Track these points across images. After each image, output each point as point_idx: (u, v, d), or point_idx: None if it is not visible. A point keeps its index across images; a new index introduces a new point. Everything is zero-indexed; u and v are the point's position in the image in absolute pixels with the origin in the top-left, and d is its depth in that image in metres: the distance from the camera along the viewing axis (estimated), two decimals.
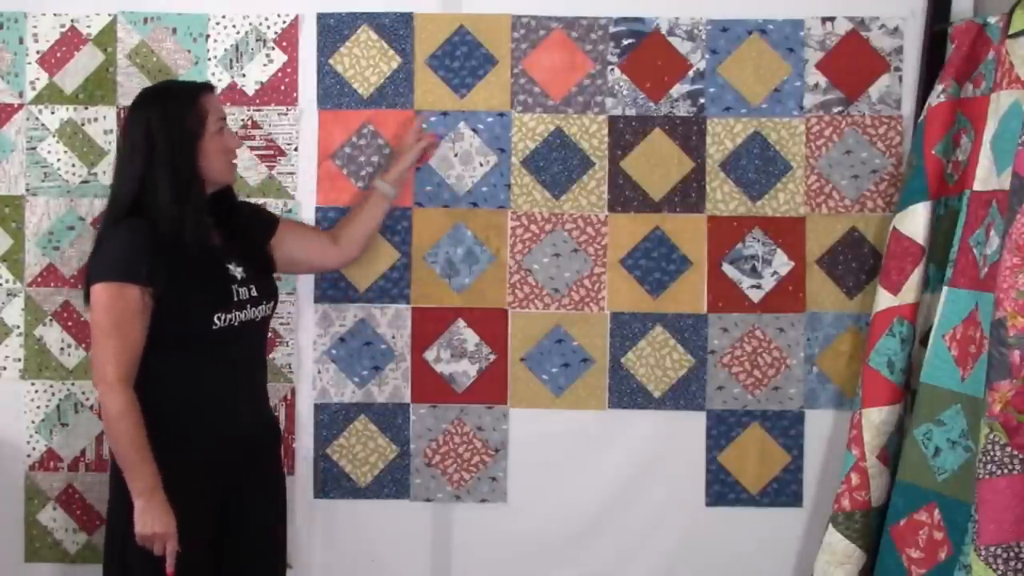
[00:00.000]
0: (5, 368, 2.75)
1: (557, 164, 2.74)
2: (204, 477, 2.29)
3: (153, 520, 2.18)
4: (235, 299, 2.33)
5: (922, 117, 2.59)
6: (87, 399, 2.74)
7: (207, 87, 2.39)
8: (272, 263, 2.52)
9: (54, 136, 2.74)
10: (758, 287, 2.73)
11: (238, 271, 2.37)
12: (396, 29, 2.74)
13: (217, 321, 2.28)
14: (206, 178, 2.33)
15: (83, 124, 2.73)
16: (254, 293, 2.38)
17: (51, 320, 2.74)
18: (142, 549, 2.21)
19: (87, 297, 2.25)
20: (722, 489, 2.75)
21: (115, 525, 2.31)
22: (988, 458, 2.18)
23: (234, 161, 2.42)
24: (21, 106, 2.74)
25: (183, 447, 2.26)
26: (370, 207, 2.64)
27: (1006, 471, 2.17)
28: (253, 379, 2.45)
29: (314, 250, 2.61)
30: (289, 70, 2.74)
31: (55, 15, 2.73)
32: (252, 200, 2.68)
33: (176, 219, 2.24)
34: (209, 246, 2.32)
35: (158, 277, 2.20)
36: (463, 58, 2.74)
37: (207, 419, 2.30)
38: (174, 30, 2.74)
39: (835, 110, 2.72)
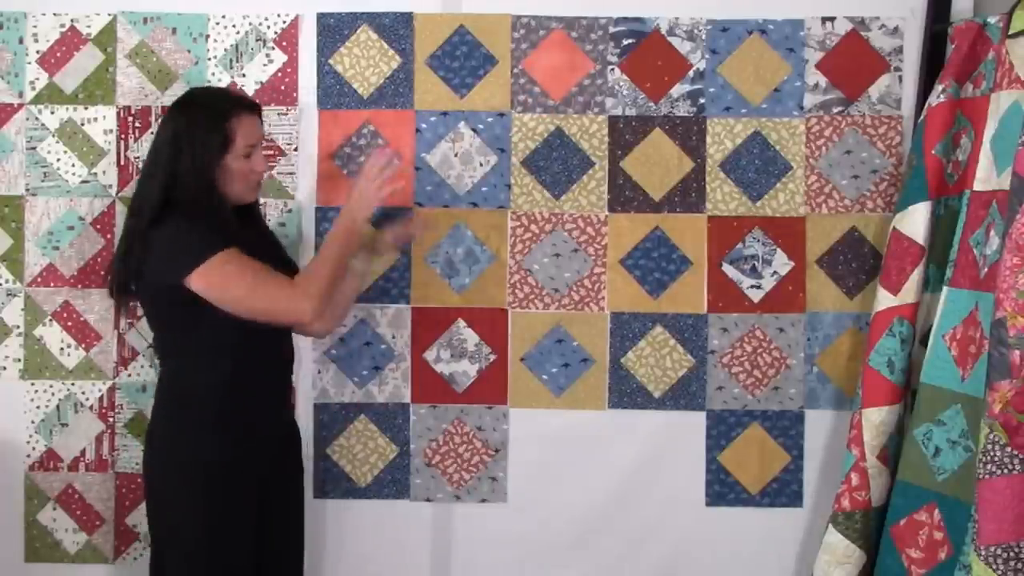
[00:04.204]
0: (5, 368, 2.75)
1: (557, 164, 2.74)
2: (246, 471, 2.32)
3: (360, 202, 2.31)
4: None
5: (922, 117, 2.59)
6: (87, 399, 2.74)
7: (248, 107, 2.38)
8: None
9: (54, 136, 2.74)
10: (758, 287, 2.73)
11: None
12: (396, 29, 2.74)
13: None
14: (224, 193, 2.33)
15: (83, 124, 2.73)
16: None
17: (51, 320, 2.74)
18: (179, 558, 2.28)
19: (150, 300, 2.31)
20: (722, 489, 2.75)
21: (156, 531, 2.37)
22: (988, 458, 2.18)
23: (258, 182, 2.42)
24: (21, 106, 2.74)
25: (227, 441, 2.29)
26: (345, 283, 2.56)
27: (1006, 471, 2.16)
28: (286, 378, 2.48)
29: None
30: (289, 70, 2.74)
31: (55, 15, 2.73)
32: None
33: (204, 216, 2.26)
34: (250, 243, 2.33)
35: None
36: (463, 58, 2.74)
37: (251, 416, 2.33)
38: (174, 30, 2.74)
39: (835, 110, 2.72)
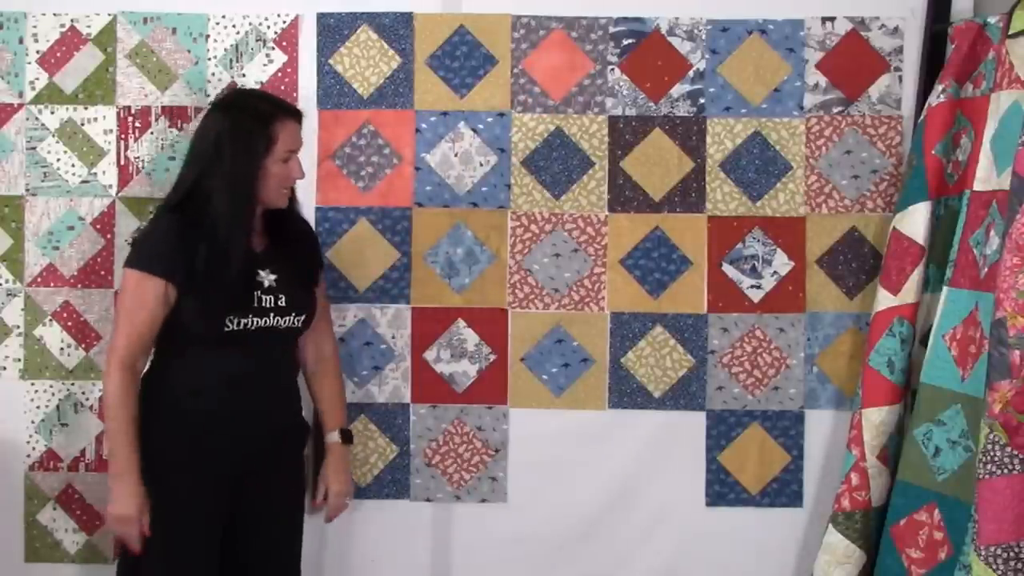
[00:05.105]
0: (5, 368, 2.75)
1: (557, 164, 2.74)
2: (204, 474, 2.32)
3: (124, 502, 2.26)
4: (255, 305, 2.35)
5: (922, 117, 2.59)
6: (87, 399, 2.74)
7: (292, 112, 2.39)
8: (316, 278, 2.53)
9: (54, 136, 2.74)
10: (758, 287, 2.73)
11: (270, 278, 2.39)
12: (396, 29, 2.74)
13: (230, 323, 2.31)
14: (258, 198, 2.35)
15: (83, 124, 2.73)
16: (282, 303, 2.39)
17: (51, 320, 2.74)
18: (156, 554, 2.28)
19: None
20: (722, 489, 2.75)
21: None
22: (988, 458, 2.18)
23: (291, 188, 2.43)
24: (21, 106, 2.74)
25: (187, 438, 2.31)
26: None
27: (1006, 471, 2.17)
28: (271, 385, 2.44)
29: (308, 337, 2.56)
30: (289, 70, 2.74)
31: (55, 15, 2.73)
32: None
33: (221, 224, 2.28)
34: (245, 252, 2.33)
35: (181, 274, 2.26)
36: (463, 58, 2.74)
37: (213, 415, 2.33)
38: (174, 30, 2.74)
39: (835, 110, 2.72)
